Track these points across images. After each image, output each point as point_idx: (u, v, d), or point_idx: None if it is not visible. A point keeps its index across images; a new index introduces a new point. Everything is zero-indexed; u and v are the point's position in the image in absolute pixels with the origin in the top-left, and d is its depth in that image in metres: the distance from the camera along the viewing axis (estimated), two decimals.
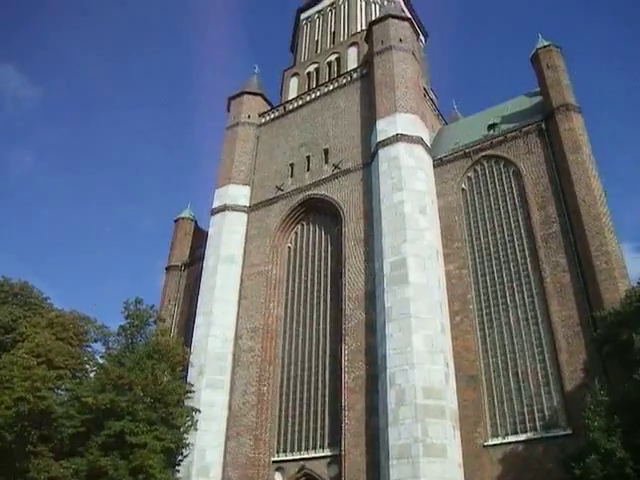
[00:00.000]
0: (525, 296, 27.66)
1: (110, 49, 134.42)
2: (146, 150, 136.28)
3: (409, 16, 45.01)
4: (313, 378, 31.99)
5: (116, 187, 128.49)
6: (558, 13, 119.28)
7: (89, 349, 27.83)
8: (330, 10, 51.18)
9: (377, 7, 49.55)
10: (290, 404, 32.16)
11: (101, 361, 26.61)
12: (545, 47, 33.72)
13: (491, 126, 34.48)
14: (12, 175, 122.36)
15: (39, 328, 25.51)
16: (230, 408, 32.58)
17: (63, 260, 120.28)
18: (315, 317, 33.85)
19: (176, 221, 47.37)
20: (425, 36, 53.91)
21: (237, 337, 34.78)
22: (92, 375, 26.34)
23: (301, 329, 34.08)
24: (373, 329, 29.29)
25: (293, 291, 35.94)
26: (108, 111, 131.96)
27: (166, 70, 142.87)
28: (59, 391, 25.32)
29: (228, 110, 46.10)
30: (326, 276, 34.83)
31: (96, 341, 27.42)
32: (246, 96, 45.72)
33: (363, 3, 50.03)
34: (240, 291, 36.46)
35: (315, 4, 52.95)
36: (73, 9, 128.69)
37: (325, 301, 33.96)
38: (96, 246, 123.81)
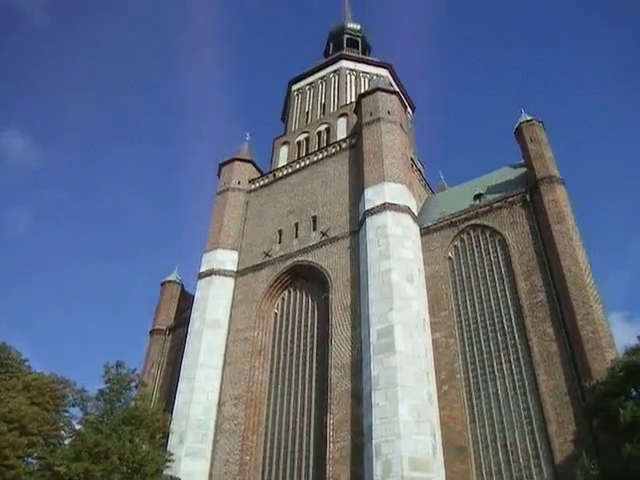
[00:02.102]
0: (513, 365, 27.37)
1: (110, 114, 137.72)
2: (137, 214, 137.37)
3: (397, 89, 46.75)
4: (297, 448, 30.99)
5: (106, 249, 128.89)
6: (540, 87, 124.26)
7: (66, 414, 26.96)
8: (321, 82, 52.99)
9: (366, 81, 51.41)
10: (273, 475, 30.97)
11: (78, 427, 25.73)
12: (528, 121, 34.96)
13: (477, 196, 35.15)
14: (7, 236, 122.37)
15: (14, 392, 24.74)
16: (211, 478, 31.31)
17: (47, 321, 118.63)
18: (300, 385, 33.17)
19: (163, 284, 47.07)
20: (412, 108, 55.59)
21: (220, 404, 33.82)
22: (67, 442, 25.40)
23: (286, 397, 33.30)
24: (359, 398, 28.69)
25: (278, 358, 35.36)
26: (103, 174, 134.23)
27: (160, 134, 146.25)
28: (30, 459, 24.31)
29: (219, 176, 46.80)
30: (312, 343, 34.39)
31: (74, 406, 26.64)
32: (237, 163, 46.52)
33: (353, 77, 51.97)
34: (225, 356, 35.81)
35: (306, 77, 54.93)
36: (80, 76, 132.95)
37: (311, 369, 33.38)
38: (83, 307, 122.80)
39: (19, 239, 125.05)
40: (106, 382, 26.03)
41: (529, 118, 35.19)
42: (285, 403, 33.08)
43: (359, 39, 61.80)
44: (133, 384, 26.80)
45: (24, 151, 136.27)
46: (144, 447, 23.89)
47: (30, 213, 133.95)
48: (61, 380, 26.78)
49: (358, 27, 63.25)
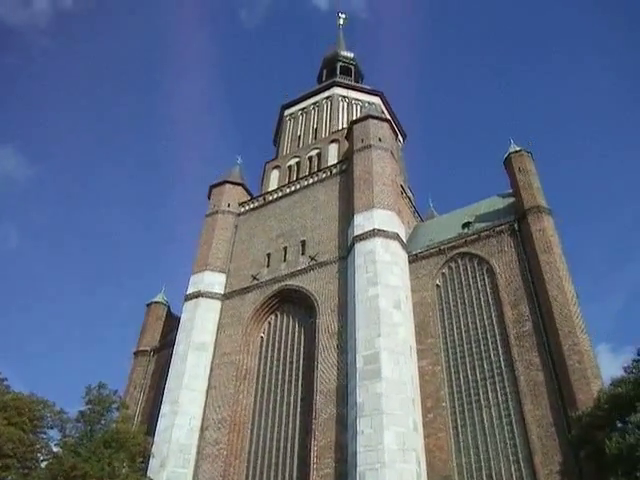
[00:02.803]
0: (499, 394, 27.21)
1: (101, 134, 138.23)
2: (125, 233, 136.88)
3: (388, 117, 47.24)
4: (280, 474, 30.46)
5: (92, 268, 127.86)
6: (529, 118, 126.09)
7: (43, 436, 26.27)
8: (313, 108, 53.49)
9: (358, 108, 51.98)
10: None
11: (55, 449, 25.11)
12: (517, 152, 35.37)
13: (465, 224, 35.34)
14: None
15: None
16: None
17: (29, 339, 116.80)
18: (285, 410, 32.77)
19: (148, 305, 46.62)
20: (403, 136, 56.15)
21: (203, 428, 33.25)
22: (43, 464, 24.75)
23: (270, 422, 32.86)
24: (344, 424, 28.37)
25: (264, 382, 34.98)
26: (93, 193, 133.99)
27: (150, 155, 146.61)
28: None
29: (209, 198, 46.82)
30: (298, 368, 34.10)
31: (52, 427, 25.93)
32: (227, 185, 46.61)
33: (345, 103, 52.54)
34: (209, 380, 35.34)
35: (299, 102, 55.50)
36: (74, 95, 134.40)
37: (296, 394, 33.04)
38: (66, 326, 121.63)
39: (7, 255, 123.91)
40: (87, 403, 25.50)
41: (518, 149, 35.62)
42: (269, 428, 32.64)
43: (352, 67, 62.90)
44: (114, 406, 26.22)
45: (17, 168, 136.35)
46: (123, 471, 23.34)
47: (19, 230, 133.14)
48: (40, 400, 26.09)
49: (351, 55, 64.38)
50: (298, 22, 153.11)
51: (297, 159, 48.33)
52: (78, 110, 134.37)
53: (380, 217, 34.92)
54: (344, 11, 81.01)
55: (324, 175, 42.39)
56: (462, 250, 33.39)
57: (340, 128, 48.58)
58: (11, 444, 22.98)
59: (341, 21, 73.11)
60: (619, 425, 20.15)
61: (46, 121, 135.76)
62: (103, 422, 25.56)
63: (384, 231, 34.05)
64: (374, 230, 33.90)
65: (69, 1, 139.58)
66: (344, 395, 29.35)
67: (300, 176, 45.25)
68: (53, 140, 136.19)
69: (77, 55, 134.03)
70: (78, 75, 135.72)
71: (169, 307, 46.93)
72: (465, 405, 27.82)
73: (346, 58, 63.65)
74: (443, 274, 33.39)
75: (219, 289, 40.03)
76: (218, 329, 37.91)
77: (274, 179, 47.92)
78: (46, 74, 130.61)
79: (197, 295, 39.40)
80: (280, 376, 34.49)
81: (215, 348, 36.90)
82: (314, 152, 47.62)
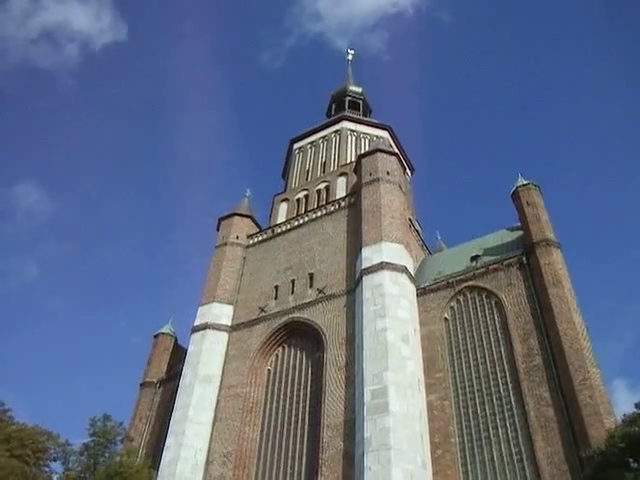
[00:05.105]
0: (509, 430, 26.70)
1: (113, 168, 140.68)
2: (134, 266, 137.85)
3: (396, 151, 47.54)
4: None
5: (102, 301, 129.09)
6: (537, 152, 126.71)
7: (46, 469, 26.00)
8: (322, 142, 54.03)
9: (367, 142, 52.46)
10: None
11: None
12: (525, 185, 35.43)
13: (474, 258, 35.22)
14: (10, 285, 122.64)
15: None
16: None
17: (37, 371, 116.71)
18: (292, 444, 32.27)
19: (156, 336, 46.53)
20: (411, 170, 56.48)
21: (208, 462, 32.68)
22: None
23: (276, 457, 32.32)
24: (351, 460, 27.84)
25: (270, 416, 34.55)
26: (104, 226, 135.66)
27: (160, 189, 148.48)
28: None
29: (218, 230, 47.07)
30: (305, 401, 33.70)
31: (55, 460, 25.73)
32: (236, 217, 46.86)
33: (353, 137, 53.02)
34: (215, 412, 34.94)
35: (308, 136, 56.10)
36: (87, 131, 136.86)
37: (303, 428, 32.59)
38: (74, 357, 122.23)
39: (22, 288, 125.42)
40: (91, 435, 25.33)
41: (526, 182, 35.69)
42: (275, 463, 32.10)
43: (360, 101, 63.71)
44: (119, 438, 26.06)
45: (37, 203, 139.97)
46: None
47: (35, 265, 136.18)
48: (44, 432, 26.00)
49: (360, 90, 65.32)
50: (314, 61, 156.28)
51: (305, 192, 48.64)
52: (95, 147, 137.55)
53: (388, 250, 34.87)
54: (353, 47, 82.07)
55: (332, 208, 42.56)
56: (471, 283, 33.22)
57: (348, 162, 48.95)
58: (13, 477, 22.75)
59: (350, 57, 74.52)
60: (633, 465, 19.70)
61: (66, 158, 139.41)
62: (107, 455, 25.37)
63: (392, 264, 33.96)
64: (382, 263, 33.81)
65: (97, 47, 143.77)
66: (352, 430, 28.88)
67: (308, 209, 45.45)
68: (70, 177, 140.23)
69: (98, 96, 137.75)
70: (97, 114, 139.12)
71: (176, 339, 46.82)
72: (474, 441, 27.30)
73: (355, 93, 64.59)
74: (452, 308, 33.17)
75: (226, 321, 39.90)
76: (225, 361, 37.66)
77: (282, 212, 48.16)
78: (69, 114, 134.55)
79: (204, 327, 39.26)
80: (287, 410, 34.08)
81: (222, 380, 36.58)
82: (322, 185, 47.93)
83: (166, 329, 46.97)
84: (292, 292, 38.87)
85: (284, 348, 37.45)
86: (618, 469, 19.41)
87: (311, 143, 55.08)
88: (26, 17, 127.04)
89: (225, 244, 44.86)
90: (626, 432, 20.07)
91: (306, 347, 36.33)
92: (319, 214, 43.04)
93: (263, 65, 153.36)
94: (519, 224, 35.20)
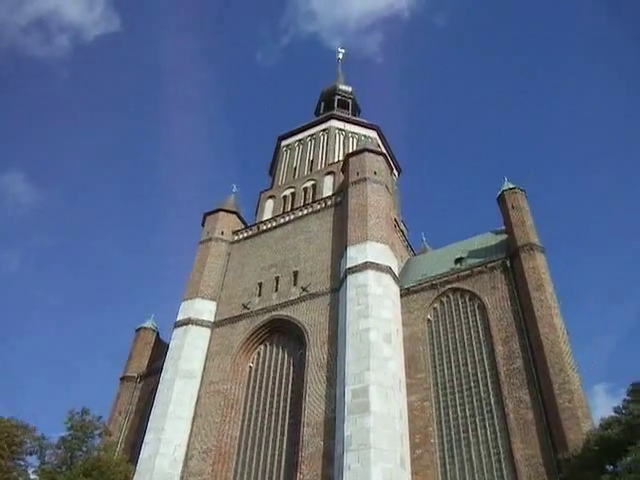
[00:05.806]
0: (488, 432, 26.82)
1: (99, 160, 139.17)
2: (118, 260, 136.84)
3: (384, 151, 47.62)
4: None
5: (85, 294, 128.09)
6: (523, 156, 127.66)
7: (22, 462, 25.61)
8: (310, 140, 54.00)
9: (355, 141, 52.48)
10: None
11: (33, 477, 24.45)
12: (510, 189, 35.63)
13: (458, 260, 35.34)
14: None
15: None
16: None
17: (14, 363, 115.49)
18: (271, 442, 32.21)
19: (137, 330, 46.13)
20: (398, 171, 56.62)
21: (187, 458, 32.51)
22: None
23: (255, 454, 32.24)
24: (331, 458, 27.83)
25: (251, 413, 34.44)
26: (90, 217, 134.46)
27: (145, 181, 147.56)
28: None
29: (203, 225, 46.80)
30: (286, 400, 33.62)
31: (31, 453, 25.32)
32: (222, 213, 46.63)
33: (341, 136, 53.08)
34: (195, 408, 34.74)
35: (296, 134, 56.05)
36: (77, 120, 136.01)
37: (283, 426, 32.53)
38: (55, 351, 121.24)
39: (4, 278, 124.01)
40: (69, 429, 25.01)
41: (512, 186, 35.89)
42: (254, 460, 32.01)
43: (350, 100, 63.75)
44: (97, 432, 25.76)
45: (24, 194, 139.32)
46: None
47: (20, 255, 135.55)
48: (20, 425, 25.55)
49: (349, 89, 65.36)
50: (307, 61, 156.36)
51: (292, 190, 48.55)
52: (82, 139, 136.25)
53: (373, 250, 34.89)
54: (344, 46, 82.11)
55: (319, 206, 42.53)
56: (454, 285, 33.35)
57: (336, 160, 48.98)
58: None
59: (340, 55, 74.48)
60: (609, 468, 19.89)
61: (53, 149, 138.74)
62: (84, 449, 25.09)
63: (377, 264, 33.99)
64: (367, 263, 33.82)
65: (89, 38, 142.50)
66: (332, 428, 28.86)
67: (295, 207, 45.35)
68: (56, 169, 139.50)
69: (89, 87, 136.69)
70: (87, 105, 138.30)
71: (158, 333, 46.45)
72: (454, 442, 27.41)
73: (344, 92, 64.60)
74: (435, 309, 33.28)
75: (209, 317, 39.70)
76: (207, 357, 37.46)
77: (269, 209, 48.04)
78: (58, 104, 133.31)
79: (187, 322, 39.00)
80: (267, 407, 33.98)
81: (203, 376, 36.38)
82: (309, 183, 47.89)
83: (148, 324, 46.61)
84: (276, 289, 38.78)
85: (266, 346, 37.33)
86: (594, 472, 19.60)
87: (299, 141, 55.02)
88: (19, 3, 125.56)
89: (210, 240, 44.62)
90: (601, 436, 20.29)
91: (288, 345, 36.26)
92: (305, 212, 42.99)
93: (255, 62, 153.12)
94: (504, 227, 35.39)
